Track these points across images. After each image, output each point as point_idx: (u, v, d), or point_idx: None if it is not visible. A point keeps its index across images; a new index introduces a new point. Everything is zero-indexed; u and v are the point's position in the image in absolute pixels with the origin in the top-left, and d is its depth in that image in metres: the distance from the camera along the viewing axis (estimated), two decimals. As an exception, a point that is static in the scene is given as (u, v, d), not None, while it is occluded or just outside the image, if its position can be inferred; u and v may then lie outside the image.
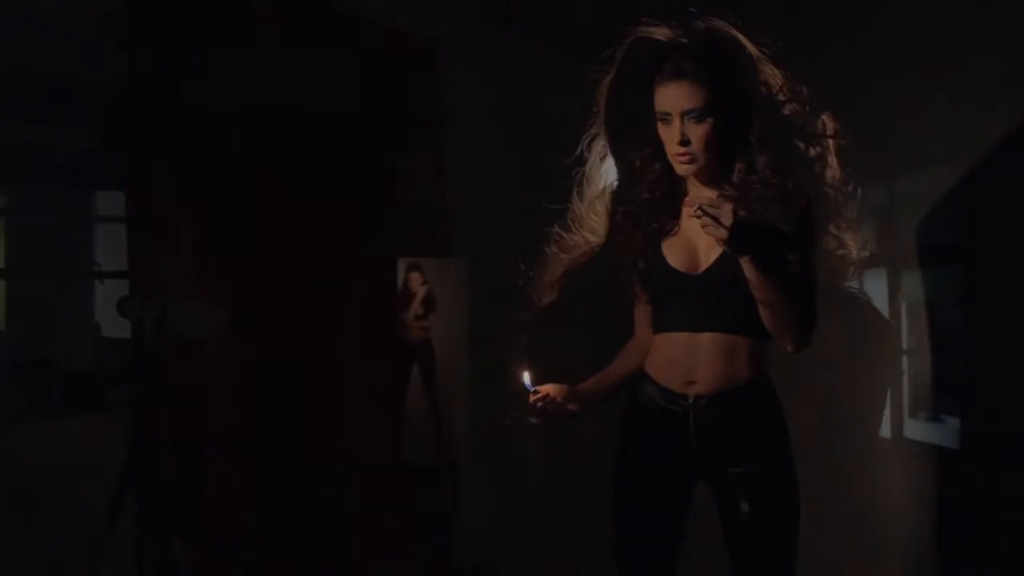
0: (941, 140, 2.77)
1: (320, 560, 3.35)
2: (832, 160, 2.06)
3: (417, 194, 3.58)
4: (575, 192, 2.19)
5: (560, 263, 2.20)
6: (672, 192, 2.15)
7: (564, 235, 2.20)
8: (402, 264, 3.49)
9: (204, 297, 3.08)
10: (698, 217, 1.88)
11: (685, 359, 2.09)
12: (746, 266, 1.92)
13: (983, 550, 2.67)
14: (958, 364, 2.88)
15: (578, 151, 2.16)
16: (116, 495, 2.70)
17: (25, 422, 3.21)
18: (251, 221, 3.21)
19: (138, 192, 3.11)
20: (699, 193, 2.09)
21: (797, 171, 2.02)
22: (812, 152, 2.05)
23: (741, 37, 2.00)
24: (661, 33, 2.03)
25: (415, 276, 3.52)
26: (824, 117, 2.06)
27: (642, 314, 2.24)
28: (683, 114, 1.99)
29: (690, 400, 2.08)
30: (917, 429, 3.03)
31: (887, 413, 3.11)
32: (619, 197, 2.18)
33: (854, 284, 2.79)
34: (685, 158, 2.02)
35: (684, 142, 2.00)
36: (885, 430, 3.11)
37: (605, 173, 2.18)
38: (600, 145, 2.16)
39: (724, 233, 1.85)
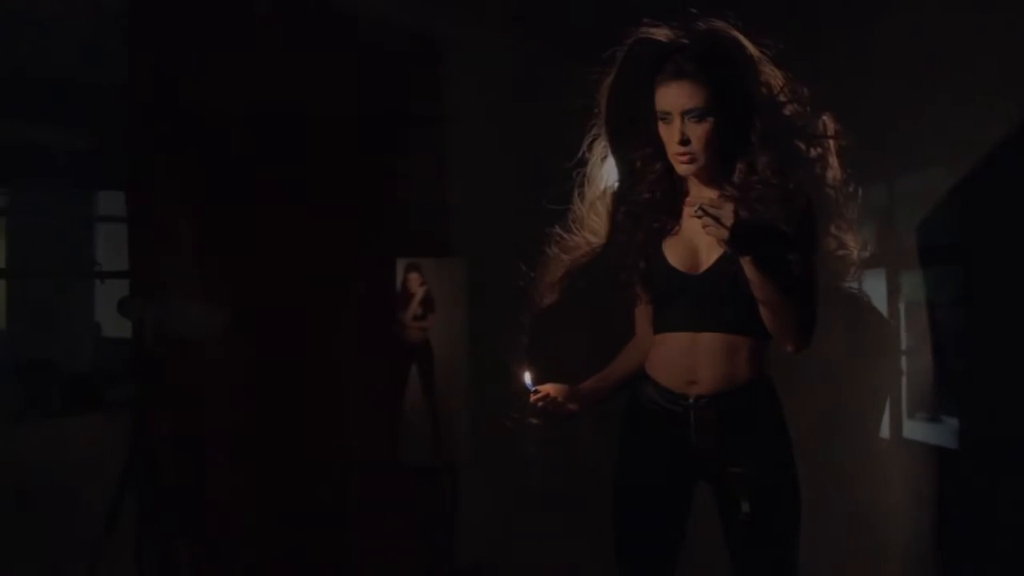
0: (941, 141, 2.78)
1: (320, 560, 3.34)
2: (833, 161, 2.06)
3: (417, 194, 3.58)
4: (576, 193, 2.19)
5: (561, 264, 2.20)
6: (673, 192, 2.15)
7: (565, 236, 2.21)
8: (401, 264, 3.49)
9: (204, 297, 3.07)
10: (699, 217, 1.88)
11: (686, 359, 2.09)
12: (747, 266, 1.92)
13: (982, 550, 2.67)
14: (957, 364, 2.88)
15: (580, 153, 2.16)
16: (116, 495, 2.70)
17: (25, 422, 3.21)
18: (251, 221, 3.20)
19: (138, 192, 3.10)
20: (700, 193, 2.09)
21: (798, 172, 2.02)
22: (813, 153, 2.05)
23: (742, 38, 2.01)
24: (662, 34, 2.04)
25: (413, 276, 3.51)
26: (825, 118, 2.07)
27: (643, 314, 2.25)
28: (683, 114, 1.99)
29: (691, 400, 2.08)
30: (916, 429, 3.03)
31: (886, 413, 3.11)
32: (620, 197, 2.18)
33: (854, 284, 2.79)
34: (685, 158, 2.02)
35: (684, 141, 2.00)
36: (884, 430, 3.11)
37: (606, 174, 2.18)
38: (601, 146, 2.16)
39: (725, 233, 1.85)
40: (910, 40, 2.85)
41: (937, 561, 2.83)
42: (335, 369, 3.42)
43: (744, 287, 1.97)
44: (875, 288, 3.07)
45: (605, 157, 2.17)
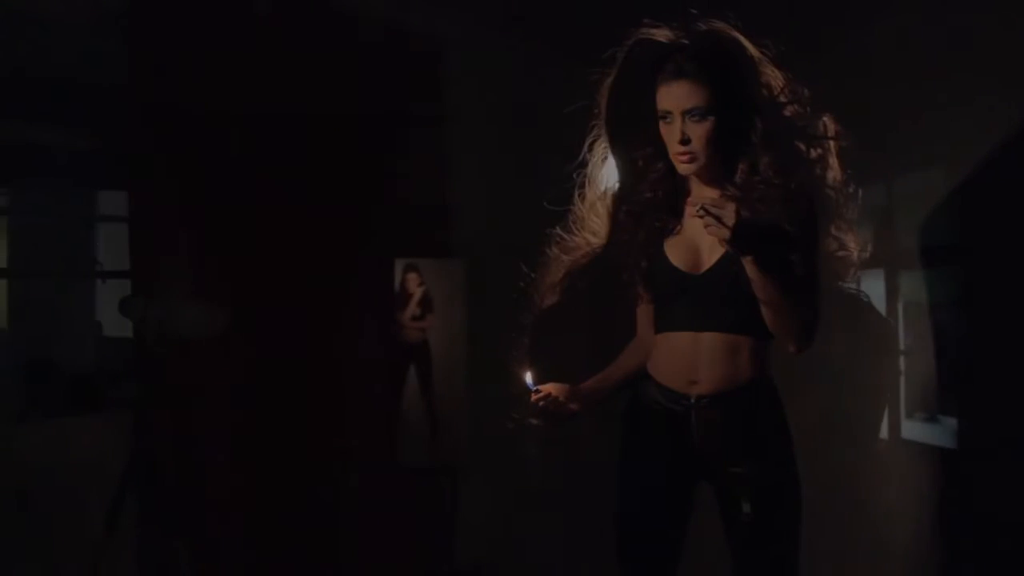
0: (941, 141, 2.78)
1: (320, 560, 3.35)
2: (833, 162, 2.06)
3: (417, 194, 3.58)
4: (576, 194, 2.19)
5: (561, 265, 2.20)
6: (675, 192, 2.15)
7: (565, 237, 2.21)
8: (399, 265, 3.49)
9: (204, 297, 3.08)
10: (700, 217, 1.88)
11: (687, 359, 2.09)
12: (748, 266, 1.92)
13: (981, 550, 2.67)
14: (956, 365, 2.88)
15: (581, 156, 2.16)
16: (117, 495, 2.71)
17: (27, 422, 3.21)
18: (251, 221, 3.21)
19: (139, 192, 3.11)
20: (702, 193, 2.09)
21: (799, 173, 2.02)
22: (813, 154, 2.05)
23: (742, 39, 2.01)
24: (662, 35, 2.04)
25: (412, 277, 3.52)
26: (825, 119, 2.06)
27: (644, 314, 2.25)
28: (684, 113, 1.99)
29: (692, 400, 2.09)
30: (914, 430, 3.03)
31: (885, 413, 3.11)
32: (621, 197, 2.18)
33: (853, 284, 2.79)
34: (686, 157, 2.03)
35: (685, 141, 2.00)
36: (883, 430, 3.11)
37: (606, 175, 2.18)
38: (602, 147, 2.16)
39: (726, 233, 1.86)
40: (910, 40, 2.85)
41: (936, 560, 2.83)
42: (336, 369, 3.42)
43: (746, 287, 1.97)
44: (874, 288, 3.07)
45: (606, 158, 2.17)
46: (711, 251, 2.06)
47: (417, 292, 3.51)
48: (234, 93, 3.17)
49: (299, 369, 3.33)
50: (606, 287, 2.23)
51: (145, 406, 2.85)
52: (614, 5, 2.25)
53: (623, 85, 2.10)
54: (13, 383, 3.43)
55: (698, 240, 2.08)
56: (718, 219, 1.86)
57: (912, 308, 3.04)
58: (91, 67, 3.17)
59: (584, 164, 2.17)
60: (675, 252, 2.11)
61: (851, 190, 2.08)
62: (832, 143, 2.06)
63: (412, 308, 3.51)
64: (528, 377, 2.10)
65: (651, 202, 2.15)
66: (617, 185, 2.18)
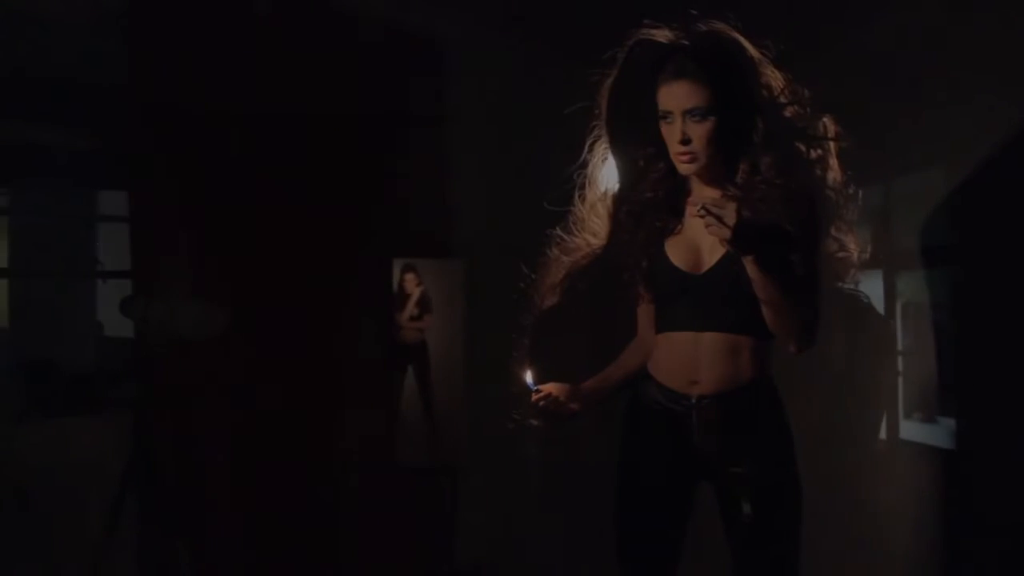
0: (940, 142, 2.78)
1: (320, 560, 3.35)
2: (833, 163, 2.06)
3: (417, 194, 3.58)
4: (576, 195, 2.19)
5: (562, 266, 2.20)
6: (675, 192, 2.15)
7: (565, 238, 2.21)
8: (397, 265, 3.49)
9: (205, 297, 3.08)
10: (701, 216, 1.88)
11: (688, 359, 2.09)
12: (749, 266, 1.92)
13: (980, 550, 2.67)
14: (955, 365, 2.88)
15: (582, 158, 2.17)
16: (117, 495, 2.71)
17: (27, 422, 3.21)
18: (251, 221, 3.21)
19: (139, 192, 3.11)
20: (702, 193, 2.09)
21: (799, 173, 2.03)
22: (813, 155, 2.05)
23: (742, 39, 2.01)
24: (662, 35, 2.04)
25: (410, 277, 3.52)
26: (825, 119, 2.06)
27: (645, 314, 2.25)
28: (685, 113, 1.99)
29: (693, 400, 2.09)
30: (913, 430, 3.03)
31: (884, 414, 3.11)
32: (622, 197, 2.18)
33: (852, 285, 2.80)
34: (686, 157, 2.03)
35: (686, 141, 2.00)
36: (882, 431, 3.11)
37: (607, 175, 2.18)
38: (602, 147, 2.16)
39: (727, 233, 1.85)
40: (909, 40, 2.85)
41: (936, 560, 2.83)
42: (336, 369, 3.42)
43: (746, 287, 1.97)
44: (873, 289, 3.07)
45: (606, 159, 2.17)
46: (712, 251, 2.06)
47: (415, 292, 3.51)
48: (234, 93, 3.17)
49: (299, 369, 3.33)
50: (606, 288, 2.23)
51: (145, 406, 2.85)
52: (614, 6, 2.25)
53: (624, 85, 2.10)
54: (13, 383, 3.43)
55: (699, 240, 2.08)
56: (719, 219, 1.85)
57: (911, 308, 3.05)
58: (91, 67, 3.17)
59: (584, 165, 2.17)
60: (676, 252, 2.11)
61: (851, 191, 2.08)
62: (832, 144, 2.06)
63: (410, 308, 3.51)
64: (528, 377, 2.11)
65: (652, 202, 2.15)
66: (617, 185, 2.18)
